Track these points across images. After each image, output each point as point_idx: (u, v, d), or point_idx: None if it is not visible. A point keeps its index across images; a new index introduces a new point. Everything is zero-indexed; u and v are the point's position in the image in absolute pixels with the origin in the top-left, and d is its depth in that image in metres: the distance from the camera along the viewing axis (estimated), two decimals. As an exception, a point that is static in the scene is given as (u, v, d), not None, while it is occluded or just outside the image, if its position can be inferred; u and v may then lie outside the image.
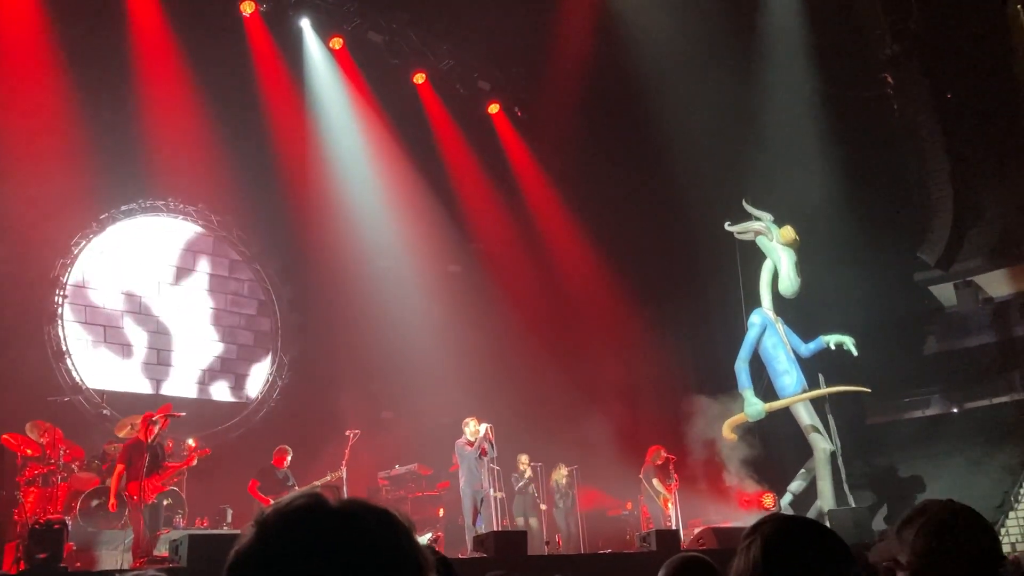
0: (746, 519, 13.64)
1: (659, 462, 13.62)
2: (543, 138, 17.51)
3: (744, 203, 15.73)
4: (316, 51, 15.73)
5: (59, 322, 13.07)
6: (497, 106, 17.83)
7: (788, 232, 15.24)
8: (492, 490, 11.93)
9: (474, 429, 11.90)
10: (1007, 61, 19.93)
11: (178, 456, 11.14)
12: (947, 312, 21.43)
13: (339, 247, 15.24)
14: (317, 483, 11.22)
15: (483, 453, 11.76)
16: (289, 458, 11.59)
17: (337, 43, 15.70)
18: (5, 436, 9.94)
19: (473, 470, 11.69)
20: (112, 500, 9.62)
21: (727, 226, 15.71)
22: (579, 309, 17.12)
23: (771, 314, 15.47)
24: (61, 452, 10.06)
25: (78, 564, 8.81)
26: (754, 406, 15.04)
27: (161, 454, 10.25)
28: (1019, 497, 16.80)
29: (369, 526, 1.14)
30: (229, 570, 1.15)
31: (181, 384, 14.55)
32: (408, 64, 16.54)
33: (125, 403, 13.07)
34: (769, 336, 15.35)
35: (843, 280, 16.95)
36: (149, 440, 9.76)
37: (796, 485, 15.13)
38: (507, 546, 9.29)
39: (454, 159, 17.11)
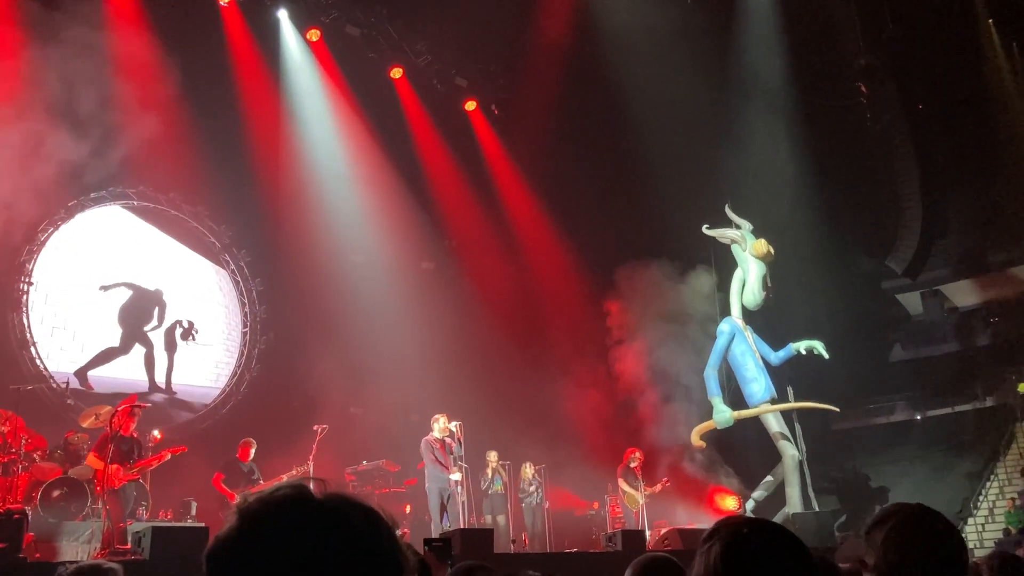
0: (711, 522, 13.76)
1: (633, 465, 13.73)
2: (519, 136, 17.52)
3: (727, 209, 15.82)
4: (293, 42, 15.63)
5: (24, 310, 12.88)
6: (474, 103, 17.83)
7: (761, 245, 15.33)
8: (459, 487, 11.93)
9: (443, 426, 11.87)
10: (979, 74, 20.24)
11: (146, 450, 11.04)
12: (913, 320, 21.74)
13: (311, 241, 15.15)
14: (283, 477, 11.13)
15: (442, 448, 11.74)
16: (253, 451, 11.50)
17: (314, 35, 15.61)
18: (-35, 424, 9.77)
19: (438, 467, 11.66)
20: (98, 486, 9.58)
21: (705, 229, 15.81)
22: (551, 307, 17.16)
23: (740, 322, 15.58)
24: (23, 441, 9.91)
25: (37, 555, 8.68)
26: (723, 413, 15.17)
27: (133, 448, 10.18)
28: (978, 504, 17.08)
29: (353, 521, 1.13)
30: (209, 558, 1.14)
31: (146, 374, 14.39)
32: (385, 59, 16.49)
33: (90, 393, 12.93)
34: (738, 343, 15.46)
35: (812, 286, 17.13)
36: (117, 431, 9.73)
37: (761, 492, 15.27)
38: (473, 544, 9.28)
39: (430, 155, 17.08)
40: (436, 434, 11.82)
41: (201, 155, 13.76)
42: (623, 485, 13.69)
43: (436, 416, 11.97)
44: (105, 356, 13.84)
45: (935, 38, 19.48)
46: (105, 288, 14.03)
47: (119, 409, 10.28)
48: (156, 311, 14.68)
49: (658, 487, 13.83)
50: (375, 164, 16.05)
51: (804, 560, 1.66)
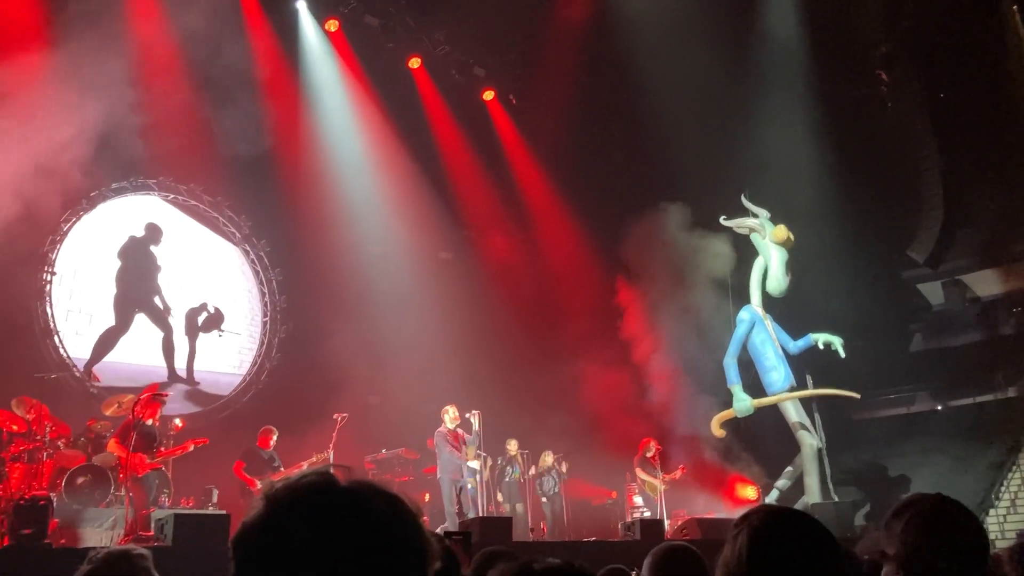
0: (730, 511, 13.76)
1: (650, 455, 13.75)
2: (537, 126, 17.48)
3: (743, 198, 15.76)
4: (311, 32, 15.65)
5: (47, 299, 13.02)
6: (492, 93, 17.80)
7: (781, 231, 15.29)
8: (477, 476, 12.00)
9: (454, 416, 11.96)
10: (1001, 61, 19.98)
11: (168, 438, 11.17)
12: (934, 310, 21.55)
13: (330, 231, 15.21)
14: (304, 464, 11.23)
15: (456, 439, 11.82)
16: (274, 439, 11.60)
17: (333, 25, 15.62)
18: (-10, 412, 9.91)
19: (452, 458, 11.74)
20: (121, 473, 9.70)
21: (722, 220, 15.74)
22: (569, 296, 17.14)
23: (760, 311, 15.53)
24: (47, 429, 10.04)
25: (62, 541, 8.80)
26: (742, 402, 15.14)
27: (155, 436, 10.32)
28: (1000, 495, 16.96)
29: (377, 507, 1.15)
30: (235, 542, 1.16)
31: (164, 361, 14.51)
32: (404, 48, 16.48)
33: (113, 381, 13.06)
34: (758, 332, 15.42)
35: (832, 276, 17.01)
36: (139, 419, 9.88)
37: (783, 481, 15.24)
38: (492, 532, 9.32)
39: (448, 145, 17.08)
40: (448, 425, 11.88)
41: (221, 146, 13.82)
42: (640, 474, 13.72)
43: (446, 407, 12.04)
44: (105, 340, 13.72)
45: (957, 25, 19.25)
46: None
47: (141, 397, 10.41)
48: (153, 274, 14.51)
49: (676, 475, 13.84)
50: (393, 154, 16.07)
51: (829, 548, 1.67)
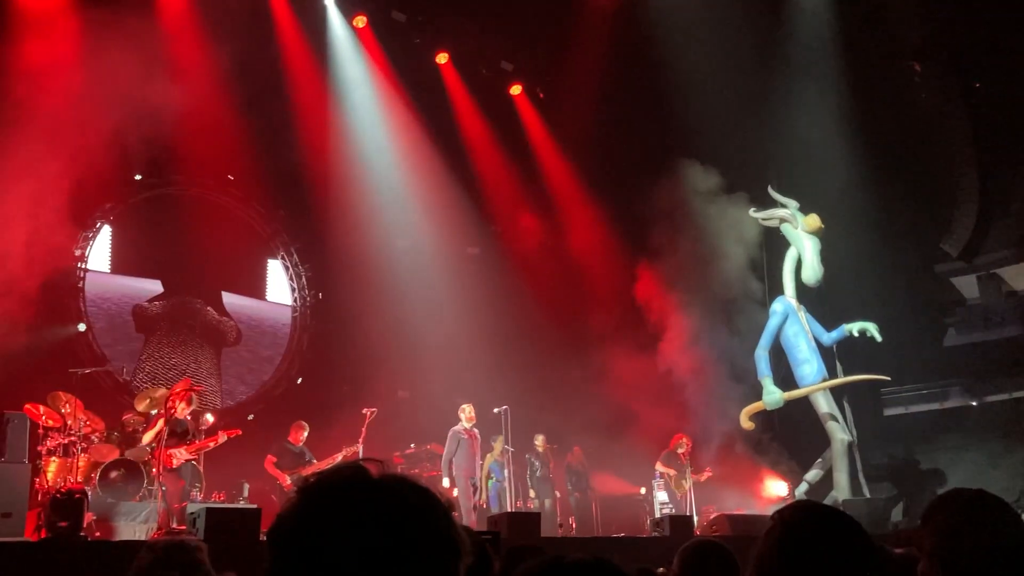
0: (760, 507, 13.65)
1: (681, 451, 13.68)
2: (565, 121, 17.41)
3: (770, 189, 15.63)
4: (339, 29, 15.71)
5: (81, 295, 13.20)
6: (519, 87, 17.76)
7: (813, 220, 15.17)
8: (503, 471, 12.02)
9: (469, 415, 11.99)
10: (1038, 51, 19.60)
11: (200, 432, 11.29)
12: (968, 304, 21.22)
13: (359, 227, 15.28)
14: (337, 456, 11.32)
15: (471, 438, 11.87)
16: (305, 434, 11.68)
17: (360, 21, 15.68)
18: (27, 406, 10.07)
19: (464, 458, 11.78)
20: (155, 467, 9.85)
21: (752, 212, 15.62)
22: (598, 293, 17.08)
23: (793, 302, 15.39)
24: (82, 423, 10.19)
25: (98, 534, 8.94)
26: (772, 394, 15.01)
27: (188, 430, 10.45)
28: (1036, 492, 16.69)
29: (410, 501, 1.15)
30: (270, 535, 1.17)
31: (201, 360, 14.67)
32: (431, 44, 16.49)
33: (145, 376, 13.22)
34: (791, 324, 15.29)
35: (864, 269, 16.81)
36: (172, 414, 10.04)
37: (813, 474, 15.10)
38: (520, 528, 9.33)
39: (475, 140, 17.07)
40: (465, 424, 11.91)
41: (250, 143, 13.93)
42: (660, 467, 13.66)
43: (462, 406, 12.06)
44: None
45: (992, 13, 18.91)
46: None
47: (174, 392, 10.53)
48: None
49: (703, 476, 13.75)
50: (421, 150, 16.10)
51: (863, 544, 1.65)
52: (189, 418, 10.73)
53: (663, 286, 16.51)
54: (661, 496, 13.84)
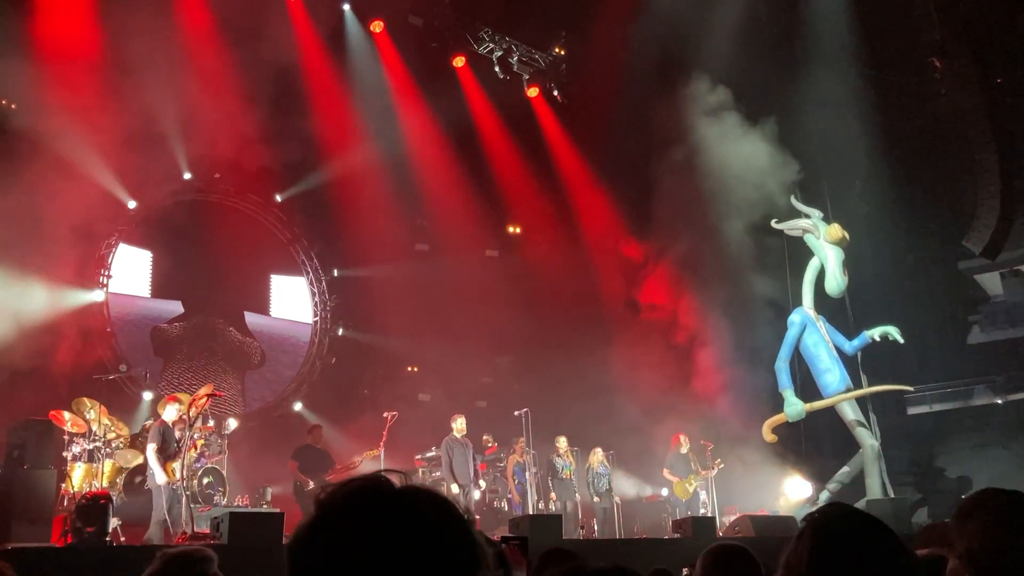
0: (783, 509, 13.56)
1: (684, 450, 13.65)
2: (582, 123, 17.38)
3: (792, 199, 15.50)
4: (357, 34, 15.78)
5: (105, 300, 13.31)
6: (536, 90, 17.75)
7: (836, 230, 15.00)
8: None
9: (460, 427, 12.03)
10: (1060, 45, 19.39)
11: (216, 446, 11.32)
12: (993, 302, 21.00)
13: (378, 230, 15.33)
14: (357, 459, 11.37)
15: (465, 445, 11.94)
16: (323, 435, 11.77)
17: (378, 26, 15.75)
18: (52, 412, 10.17)
19: (460, 464, 11.82)
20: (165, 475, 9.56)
21: (774, 223, 15.47)
22: (617, 295, 17.04)
23: (812, 312, 15.24)
24: (106, 429, 10.27)
25: (122, 539, 9.00)
26: (794, 406, 14.89)
27: (171, 441, 10.07)
28: (1064, 491, 16.47)
29: (427, 513, 1.15)
30: (289, 547, 1.17)
31: (224, 388, 14.76)
32: (448, 47, 16.53)
33: (168, 381, 13.30)
34: (810, 334, 15.14)
35: (885, 269, 16.67)
36: (172, 423, 9.74)
37: (842, 475, 14.97)
38: (542, 529, 9.31)
39: (493, 143, 17.08)
40: (456, 435, 11.95)
41: (270, 148, 13.99)
42: (667, 474, 13.65)
43: (455, 416, 12.10)
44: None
45: (1013, 9, 18.72)
46: None
47: (197, 396, 10.57)
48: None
49: (713, 470, 13.66)
50: (439, 153, 16.13)
51: (892, 547, 1.65)
52: (196, 425, 10.62)
53: (682, 287, 16.43)
54: (702, 495, 13.82)
